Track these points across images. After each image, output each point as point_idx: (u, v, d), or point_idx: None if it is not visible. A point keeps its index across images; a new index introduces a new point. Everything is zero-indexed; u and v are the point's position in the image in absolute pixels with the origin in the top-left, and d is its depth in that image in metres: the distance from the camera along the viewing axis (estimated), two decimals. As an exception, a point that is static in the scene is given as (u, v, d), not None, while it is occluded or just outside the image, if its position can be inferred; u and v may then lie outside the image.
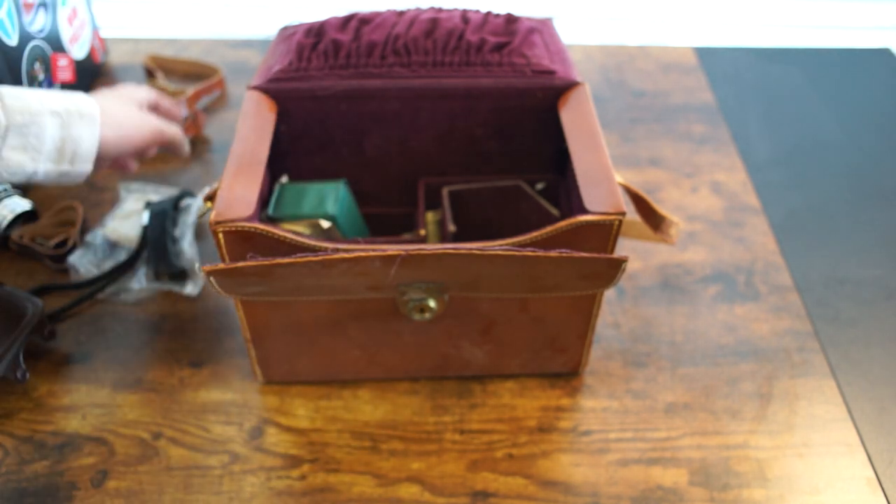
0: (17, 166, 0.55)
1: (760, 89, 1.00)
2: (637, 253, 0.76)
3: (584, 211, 0.50)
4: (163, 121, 0.69)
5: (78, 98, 0.59)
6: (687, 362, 0.67)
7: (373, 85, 0.60)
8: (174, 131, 0.70)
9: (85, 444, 0.60)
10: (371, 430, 0.61)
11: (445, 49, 0.61)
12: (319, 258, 0.47)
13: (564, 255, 0.48)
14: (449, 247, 0.48)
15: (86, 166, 0.59)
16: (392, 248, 0.47)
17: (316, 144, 0.66)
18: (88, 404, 0.62)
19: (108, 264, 0.73)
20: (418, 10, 0.65)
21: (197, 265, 0.73)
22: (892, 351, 0.68)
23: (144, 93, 0.70)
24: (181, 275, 0.72)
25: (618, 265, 0.50)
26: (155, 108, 0.73)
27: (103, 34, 1.01)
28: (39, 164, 0.56)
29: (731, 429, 0.62)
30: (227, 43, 1.06)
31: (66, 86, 0.88)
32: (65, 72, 0.87)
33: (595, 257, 0.49)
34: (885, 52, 1.08)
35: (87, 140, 0.58)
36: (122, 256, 0.74)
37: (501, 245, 0.49)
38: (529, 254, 0.47)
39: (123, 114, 0.64)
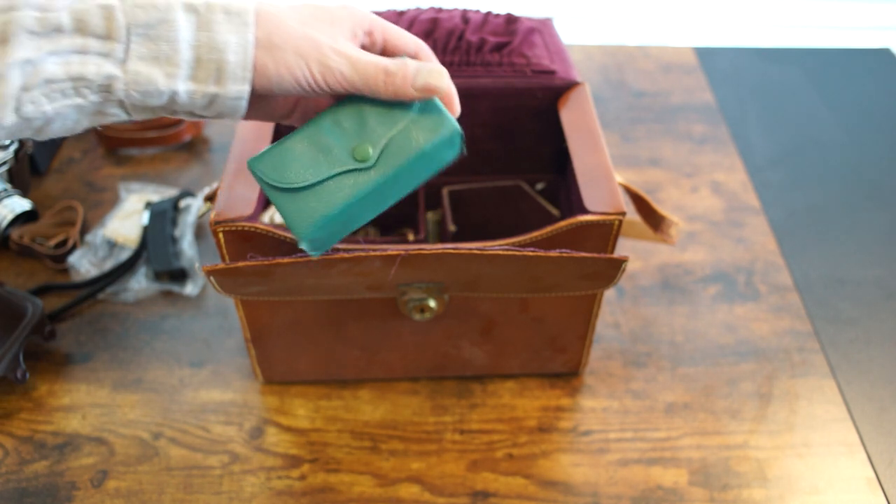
0: (149, 82, 0.38)
1: (760, 89, 1.00)
2: (637, 253, 0.76)
3: (584, 211, 0.50)
4: (375, 55, 0.43)
5: None
6: (687, 362, 0.67)
7: (373, 85, 0.60)
8: (428, 72, 0.42)
9: (85, 444, 0.60)
10: (371, 430, 0.61)
11: (445, 49, 0.61)
12: (319, 258, 0.47)
13: (564, 254, 0.48)
14: (449, 247, 0.48)
15: (236, 87, 0.40)
16: (392, 248, 0.47)
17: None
18: (88, 404, 0.62)
19: (108, 264, 0.73)
20: (418, 10, 0.65)
21: (197, 265, 0.73)
22: (892, 351, 0.68)
23: (359, 16, 0.44)
24: (181, 275, 0.72)
25: (618, 265, 0.50)
26: (379, 44, 0.45)
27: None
28: (177, 83, 0.39)
29: (731, 429, 0.62)
30: (227, 43, 1.06)
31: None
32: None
33: (595, 257, 0.49)
34: (885, 52, 1.08)
35: (233, 48, 0.39)
36: (122, 256, 0.74)
37: (501, 245, 0.49)
38: (529, 254, 0.47)
39: (305, 26, 0.41)
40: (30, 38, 0.35)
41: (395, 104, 0.42)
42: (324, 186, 0.41)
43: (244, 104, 0.40)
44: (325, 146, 0.41)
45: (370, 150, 0.41)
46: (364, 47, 0.44)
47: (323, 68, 0.40)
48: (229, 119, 0.42)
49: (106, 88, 0.38)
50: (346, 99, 0.43)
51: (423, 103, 0.42)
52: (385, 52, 0.45)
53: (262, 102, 0.44)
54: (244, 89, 0.40)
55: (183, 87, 0.39)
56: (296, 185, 0.41)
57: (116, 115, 0.40)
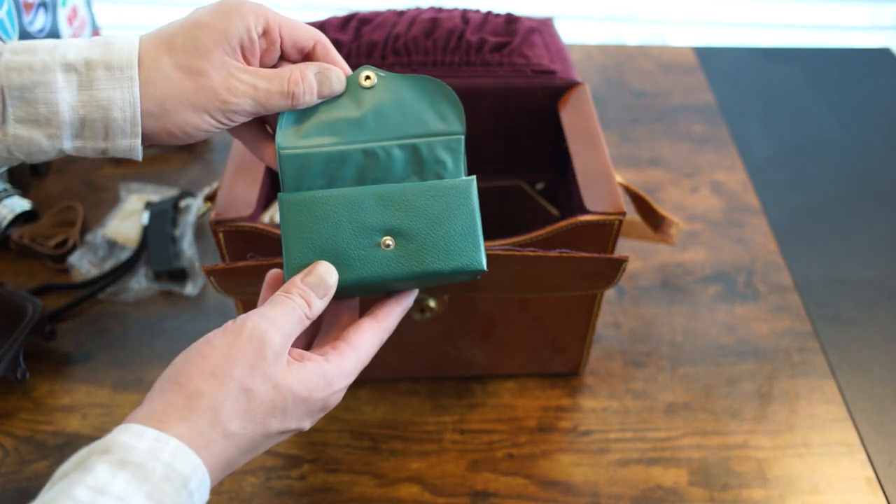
0: (31, 144, 0.38)
1: (760, 89, 1.00)
2: (637, 253, 0.76)
3: (584, 211, 0.50)
4: (270, 73, 0.41)
5: (111, 42, 0.39)
6: (687, 362, 0.67)
7: (373, 85, 0.60)
8: (299, 79, 0.41)
9: (85, 444, 0.59)
10: (371, 430, 0.61)
11: (445, 49, 0.61)
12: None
13: (565, 254, 0.48)
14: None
15: (126, 142, 0.39)
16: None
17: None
18: (88, 404, 0.62)
19: (108, 264, 0.73)
20: (418, 10, 0.65)
21: (197, 265, 0.73)
22: (892, 351, 0.68)
23: (241, 23, 0.40)
24: (181, 275, 0.72)
25: (618, 265, 0.50)
26: (277, 42, 0.42)
27: (103, 34, 1.01)
28: (62, 142, 0.38)
29: (731, 429, 0.62)
30: (227, 43, 1.06)
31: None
32: (65, 72, 0.87)
33: (595, 257, 0.49)
34: (885, 52, 1.08)
35: (118, 104, 0.38)
36: (122, 256, 0.74)
37: (502, 245, 0.49)
38: (530, 254, 0.47)
39: (191, 71, 0.39)
40: None
41: (446, 202, 0.42)
42: (340, 255, 0.41)
43: (138, 152, 0.40)
44: (361, 225, 0.41)
45: (394, 243, 0.41)
46: (263, 50, 0.42)
47: (226, 112, 0.40)
48: (126, 157, 0.41)
49: None
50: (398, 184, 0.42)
51: (469, 225, 0.41)
52: (283, 47, 0.43)
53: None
54: (135, 143, 0.39)
55: (69, 144, 0.39)
56: (316, 247, 0.41)
57: (16, 160, 0.40)
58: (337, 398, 0.40)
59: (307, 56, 0.43)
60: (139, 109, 0.38)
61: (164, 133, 0.40)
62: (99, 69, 0.38)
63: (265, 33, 0.41)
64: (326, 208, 0.41)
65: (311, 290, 0.39)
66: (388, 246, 0.41)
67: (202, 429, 0.35)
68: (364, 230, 0.41)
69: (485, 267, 0.41)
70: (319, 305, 0.40)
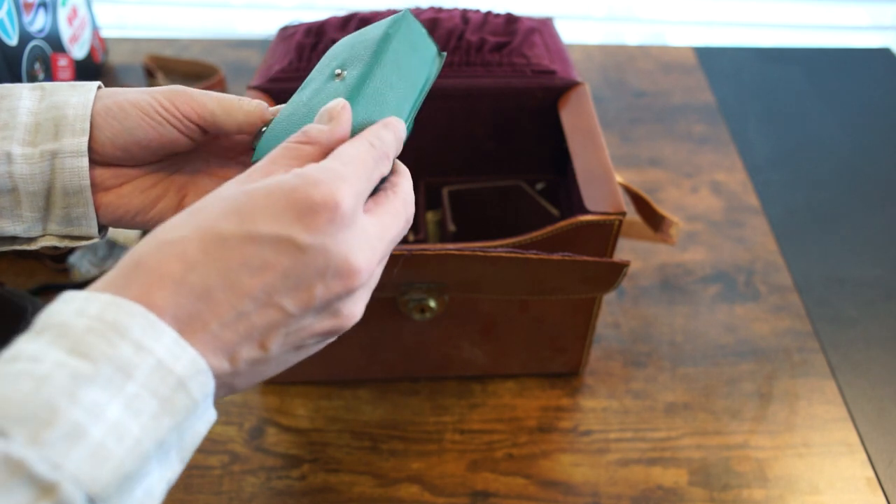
0: None
1: (760, 89, 1.00)
2: (637, 253, 0.76)
3: (585, 211, 0.50)
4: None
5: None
6: (687, 362, 0.67)
7: (373, 85, 0.60)
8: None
9: (85, 444, 0.60)
10: (371, 430, 0.61)
11: (445, 49, 0.61)
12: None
13: (567, 258, 0.48)
14: (451, 248, 0.48)
15: (74, 140, 0.38)
16: (395, 248, 0.47)
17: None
18: (88, 404, 0.62)
19: (109, 264, 0.73)
20: (418, 10, 0.65)
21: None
22: (892, 351, 0.68)
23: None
24: (181, 275, 0.72)
25: (619, 269, 0.50)
26: None
27: (103, 34, 1.01)
28: (12, 145, 0.38)
29: (731, 429, 0.62)
30: (227, 43, 1.06)
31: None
32: (65, 72, 0.87)
33: (598, 261, 0.49)
34: (885, 52, 1.08)
35: (73, 105, 0.39)
36: (122, 256, 0.74)
37: (503, 246, 0.49)
38: (532, 257, 0.47)
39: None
40: None
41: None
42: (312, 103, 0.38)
43: (85, 165, 0.39)
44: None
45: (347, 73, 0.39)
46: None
47: (172, 94, 0.40)
48: (84, 228, 0.40)
49: None
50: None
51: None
52: None
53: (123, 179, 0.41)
54: (82, 141, 0.38)
55: (18, 150, 0.38)
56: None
57: None
58: (329, 179, 0.30)
59: None
60: (90, 109, 0.39)
61: (116, 117, 0.39)
62: (63, 85, 0.40)
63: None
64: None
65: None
66: (338, 75, 0.38)
67: (122, 270, 0.29)
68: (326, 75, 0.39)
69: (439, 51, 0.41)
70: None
